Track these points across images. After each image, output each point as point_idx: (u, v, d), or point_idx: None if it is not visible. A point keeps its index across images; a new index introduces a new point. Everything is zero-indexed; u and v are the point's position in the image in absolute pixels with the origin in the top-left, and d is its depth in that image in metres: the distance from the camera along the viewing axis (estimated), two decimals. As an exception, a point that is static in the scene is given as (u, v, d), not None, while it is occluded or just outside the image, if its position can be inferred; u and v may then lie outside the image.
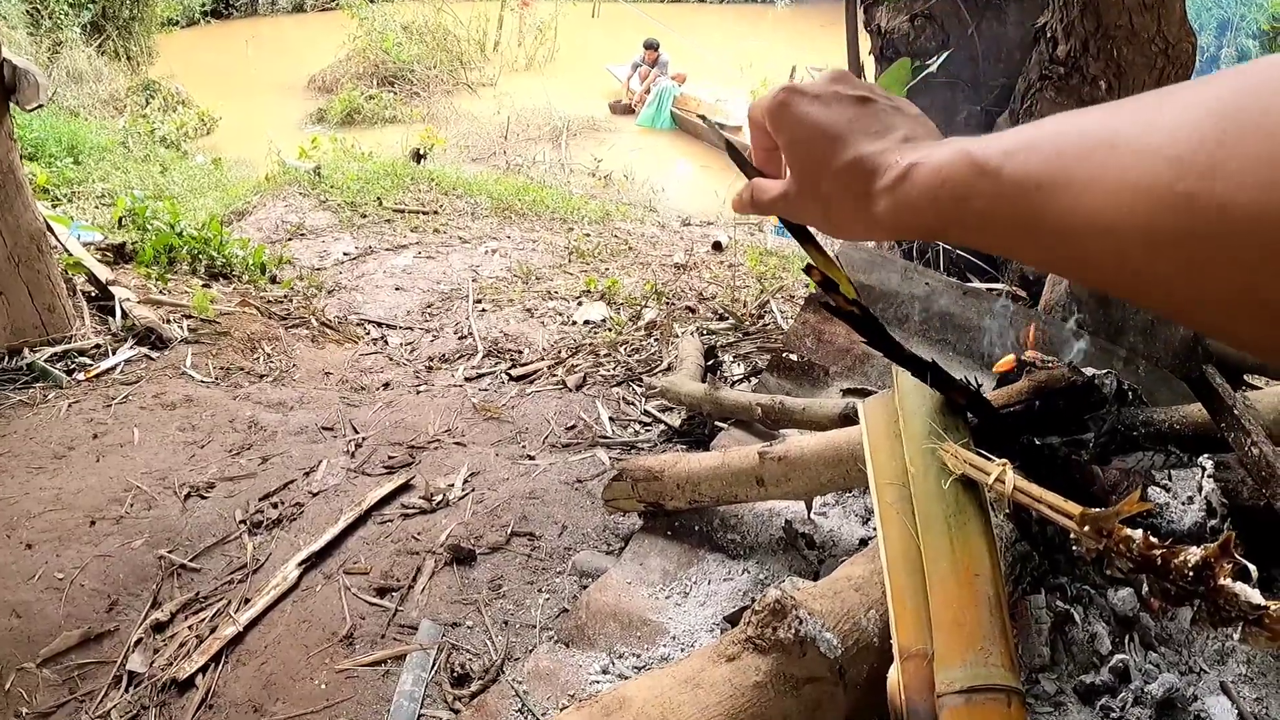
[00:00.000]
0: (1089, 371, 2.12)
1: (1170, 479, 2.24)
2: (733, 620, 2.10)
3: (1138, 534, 1.36)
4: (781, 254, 6.61)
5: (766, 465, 2.26)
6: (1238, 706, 1.82)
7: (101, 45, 13.90)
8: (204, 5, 18.70)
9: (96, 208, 7.33)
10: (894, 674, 1.55)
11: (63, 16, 13.06)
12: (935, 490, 1.79)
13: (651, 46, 13.93)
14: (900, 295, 3.33)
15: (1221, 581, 1.24)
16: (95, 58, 13.44)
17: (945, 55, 4.01)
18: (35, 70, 3.74)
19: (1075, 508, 1.45)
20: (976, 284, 3.96)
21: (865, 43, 4.52)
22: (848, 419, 2.61)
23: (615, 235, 6.87)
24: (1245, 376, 3.65)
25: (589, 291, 5.16)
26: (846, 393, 3.08)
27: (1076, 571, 2.02)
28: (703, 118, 11.86)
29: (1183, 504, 2.21)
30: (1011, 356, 2.17)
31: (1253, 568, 1.29)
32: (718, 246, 6.76)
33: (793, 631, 1.65)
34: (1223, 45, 15.53)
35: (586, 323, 4.69)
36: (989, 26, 4.07)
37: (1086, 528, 1.41)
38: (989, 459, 1.72)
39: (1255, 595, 1.22)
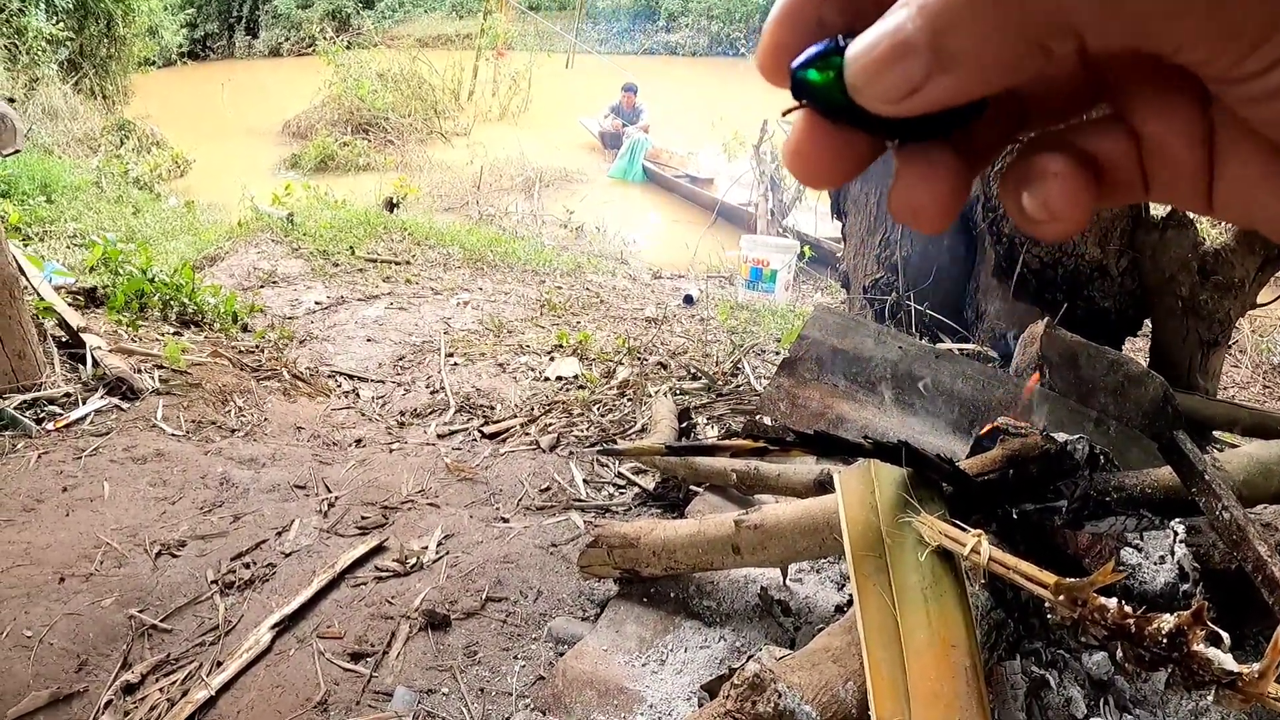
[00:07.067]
0: (1061, 437, 2.13)
1: (1143, 539, 2.27)
2: (710, 689, 2.10)
3: (1112, 603, 1.39)
4: (752, 308, 6.67)
5: (742, 534, 2.28)
6: (1211, 766, 1.82)
7: (78, 83, 13.92)
8: (181, 47, 18.79)
9: (68, 248, 7.25)
10: (873, 746, 1.56)
11: (40, 53, 13.02)
12: (911, 562, 1.81)
13: (630, 90, 14.23)
14: (874, 359, 3.36)
15: (1195, 648, 1.27)
16: (71, 95, 13.43)
17: None
18: (12, 114, 3.74)
19: (1050, 577, 1.47)
20: (947, 344, 4.00)
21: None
22: (823, 485, 2.63)
23: (587, 288, 6.91)
24: (1215, 433, 3.69)
25: (561, 346, 5.17)
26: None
27: (1051, 636, 2.04)
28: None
29: (1155, 564, 2.24)
30: (1002, 421, 2.18)
31: (1225, 635, 1.33)
32: (689, 300, 6.82)
33: (772, 705, 1.64)
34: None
35: (559, 379, 4.69)
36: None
37: (1061, 597, 1.44)
38: (964, 529, 1.75)
39: (1229, 661, 1.25)
